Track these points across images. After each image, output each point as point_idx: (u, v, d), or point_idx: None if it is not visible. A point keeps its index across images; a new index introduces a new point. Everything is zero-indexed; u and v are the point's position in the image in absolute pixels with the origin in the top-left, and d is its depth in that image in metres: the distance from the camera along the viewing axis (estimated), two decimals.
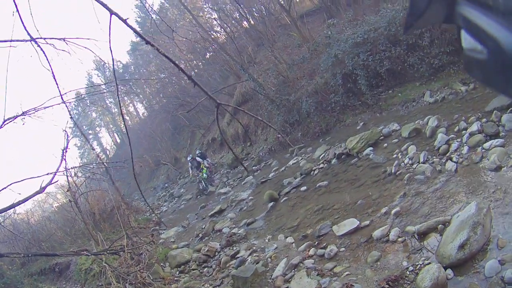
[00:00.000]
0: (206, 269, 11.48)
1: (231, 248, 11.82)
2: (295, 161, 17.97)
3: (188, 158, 25.73)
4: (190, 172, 25.79)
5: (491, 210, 6.81)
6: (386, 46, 16.05)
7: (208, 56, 36.22)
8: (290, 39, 25.45)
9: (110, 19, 3.83)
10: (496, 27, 0.86)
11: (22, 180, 10.45)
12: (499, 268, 5.65)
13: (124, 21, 3.92)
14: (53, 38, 6.94)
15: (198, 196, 23.89)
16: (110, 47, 4.25)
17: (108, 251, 11.48)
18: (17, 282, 14.08)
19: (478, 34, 0.93)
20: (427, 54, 14.97)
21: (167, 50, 39.50)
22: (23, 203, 10.85)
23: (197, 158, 24.89)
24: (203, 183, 23.95)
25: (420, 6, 1.09)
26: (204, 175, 24.14)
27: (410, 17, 1.16)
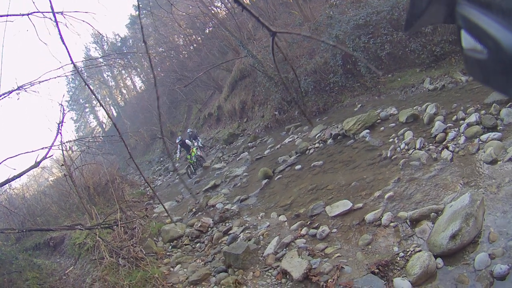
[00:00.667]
0: (198, 244, 11.51)
1: (223, 224, 11.90)
2: (291, 139, 18.02)
3: (177, 141, 25.13)
4: (178, 155, 25.31)
5: (485, 202, 6.85)
6: (388, 30, 15.97)
7: (207, 31, 35.94)
8: (291, 17, 25.26)
9: None
10: (496, 27, 0.85)
11: (17, 155, 10.40)
12: (489, 261, 5.72)
13: None
14: (50, 12, 6.90)
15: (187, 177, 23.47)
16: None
17: (101, 225, 11.50)
18: (12, 258, 14.07)
19: (478, 34, 0.93)
20: (429, 41, 14.89)
21: (166, 24, 39.21)
22: (18, 178, 10.81)
23: (186, 140, 24.42)
24: (191, 168, 23.68)
25: (420, 6, 1.10)
26: (193, 158, 23.86)
27: (410, 16, 1.16)
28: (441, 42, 14.38)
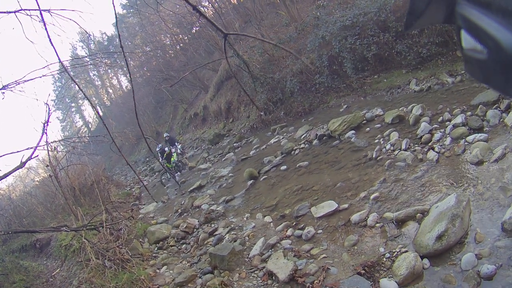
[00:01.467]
0: (184, 245, 11.51)
1: (209, 225, 11.88)
2: (277, 139, 18.04)
3: (157, 149, 24.69)
4: (160, 161, 24.06)
5: (471, 203, 6.89)
6: (375, 31, 15.99)
7: (194, 31, 35.91)
8: (278, 18, 25.36)
9: None
10: (496, 27, 0.85)
11: (2, 156, 10.30)
12: (475, 262, 5.72)
13: None
14: (37, 10, 6.82)
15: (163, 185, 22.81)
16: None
17: (87, 227, 11.43)
18: None
19: (478, 34, 0.92)
20: (416, 42, 14.91)
21: (152, 23, 39.10)
22: (3, 179, 10.75)
23: (165, 149, 23.88)
24: (167, 175, 23.30)
25: (420, 6, 1.08)
26: (172, 163, 23.40)
27: (410, 16, 1.14)
28: (427, 44, 14.41)
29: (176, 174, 23.05)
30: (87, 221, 12.48)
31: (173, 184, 21.21)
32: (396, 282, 6.06)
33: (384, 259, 6.66)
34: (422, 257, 6.26)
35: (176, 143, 25.11)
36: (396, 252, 6.68)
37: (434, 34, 14.40)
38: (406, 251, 6.56)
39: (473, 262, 5.73)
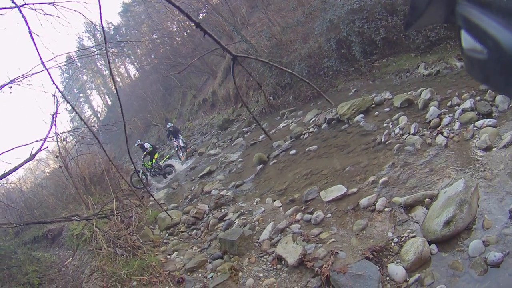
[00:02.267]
0: (194, 231, 11.59)
1: (219, 210, 11.92)
2: (286, 124, 18.01)
3: (136, 144, 22.94)
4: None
5: (479, 189, 6.88)
6: (383, 14, 15.84)
7: (201, 17, 35.71)
8: (285, 2, 25.09)
9: None
10: (496, 27, 0.86)
11: (12, 149, 10.34)
12: (483, 249, 5.75)
13: None
14: (42, 3, 6.84)
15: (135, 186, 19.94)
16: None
17: (98, 215, 11.50)
18: (11, 252, 14.05)
19: (478, 34, 0.94)
20: (404, 32, 14.84)
21: (158, 11, 38.89)
22: (14, 171, 10.81)
23: (146, 145, 21.75)
24: (139, 175, 19.94)
25: (420, 5, 1.10)
26: (150, 162, 21.31)
27: (410, 16, 1.17)
28: (436, 27, 14.24)
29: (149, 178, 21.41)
30: (98, 209, 12.56)
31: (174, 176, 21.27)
32: (403, 267, 6.11)
33: (392, 244, 6.71)
34: (430, 243, 6.29)
35: (179, 135, 24.69)
36: (404, 237, 6.72)
37: None
38: (414, 236, 6.60)
39: (481, 249, 5.75)
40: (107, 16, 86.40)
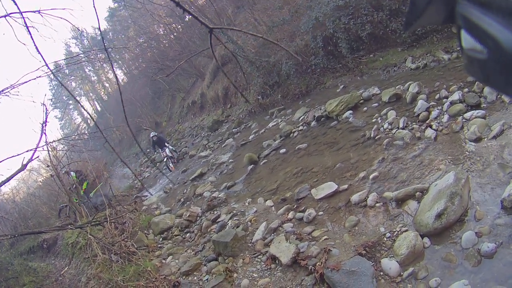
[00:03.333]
0: (188, 234, 11.61)
1: (212, 212, 11.95)
2: (275, 123, 18.02)
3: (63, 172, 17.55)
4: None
5: (470, 180, 6.90)
6: (369, 10, 15.87)
7: (187, 19, 35.65)
8: (270, 1, 25.09)
9: None
10: (496, 27, 0.85)
11: (2, 160, 10.31)
12: (475, 240, 5.76)
13: None
14: (27, 12, 6.80)
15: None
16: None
17: (91, 223, 11.49)
18: (7, 264, 14.02)
19: (478, 34, 0.92)
20: (404, 32, 14.85)
21: (144, 14, 38.79)
22: (6, 183, 10.80)
23: (72, 173, 18.20)
24: (67, 209, 17.71)
25: (420, 5, 1.08)
26: (84, 197, 18.31)
27: (410, 16, 1.14)
28: None
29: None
30: (91, 217, 12.54)
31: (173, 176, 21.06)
32: (397, 261, 6.12)
33: (385, 239, 6.73)
34: (422, 236, 6.31)
35: (166, 144, 23.40)
36: (396, 232, 6.74)
37: None
38: (406, 230, 6.61)
39: (474, 240, 5.76)
40: (93, 21, 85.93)
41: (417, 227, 6.54)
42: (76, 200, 17.39)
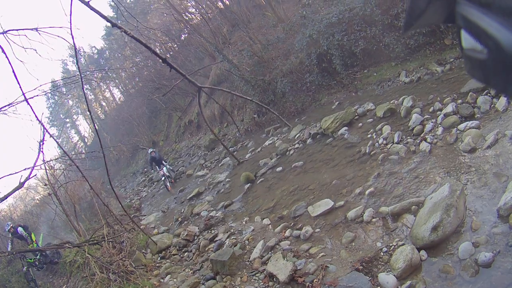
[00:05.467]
0: (186, 253, 11.57)
1: (209, 231, 11.93)
2: (271, 141, 18.02)
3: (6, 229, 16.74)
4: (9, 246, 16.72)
5: (465, 192, 6.91)
6: (361, 26, 16.01)
7: (183, 38, 35.82)
8: (265, 19, 25.28)
9: (71, 3, 3.76)
10: (496, 27, 0.85)
11: (0, 178, 10.29)
12: (473, 250, 5.76)
13: (87, 4, 3.85)
14: (25, 29, 6.84)
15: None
16: (71, 32, 4.18)
17: (89, 242, 11.45)
18: (5, 281, 13.90)
19: (478, 34, 0.93)
20: (403, 34, 14.93)
21: (141, 34, 39.06)
22: (3, 200, 10.79)
23: (19, 229, 16.07)
24: (30, 273, 15.39)
25: (420, 6, 1.08)
26: (36, 257, 15.77)
27: (410, 17, 1.14)
28: (414, 34, 14.38)
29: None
30: (89, 236, 12.50)
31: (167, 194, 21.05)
32: (394, 275, 6.11)
33: (382, 254, 6.73)
34: (419, 249, 6.30)
35: (164, 162, 22.74)
36: (393, 246, 6.74)
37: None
38: (403, 244, 6.61)
39: (471, 250, 5.77)
40: (91, 40, 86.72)
41: (414, 240, 6.52)
42: (31, 260, 15.48)
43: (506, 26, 0.83)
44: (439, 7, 1.06)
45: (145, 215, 18.99)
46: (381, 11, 15.33)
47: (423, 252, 6.26)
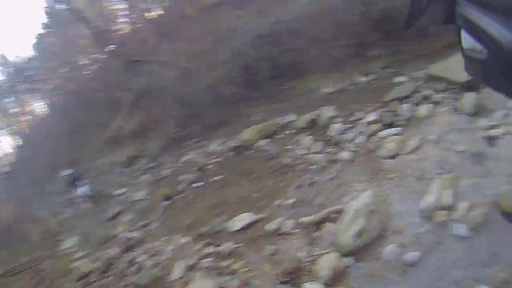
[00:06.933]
0: (109, 278, 10.98)
1: (129, 253, 11.51)
2: (191, 156, 17.76)
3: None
4: None
5: (387, 196, 7.11)
6: (289, 38, 16.15)
7: (111, 49, 35.43)
8: (194, 31, 25.27)
9: None
10: (496, 27, 0.88)
11: None
12: (398, 251, 5.93)
13: None
14: None
15: None
16: None
17: (8, 274, 10.81)
18: None
19: (478, 34, 0.96)
20: (329, 47, 15.16)
21: (72, 42, 38.04)
22: None
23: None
24: None
25: (420, 6, 1.13)
26: None
27: (411, 17, 1.19)
28: (339, 47, 14.66)
29: None
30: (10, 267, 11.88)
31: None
32: (320, 284, 6.06)
33: (305, 264, 6.68)
34: (345, 256, 6.33)
35: (80, 181, 21.80)
36: (316, 255, 6.71)
37: (344, 37, 14.66)
38: (327, 252, 6.59)
39: (396, 252, 5.94)
40: (21, 48, 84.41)
41: (338, 247, 6.53)
42: None
43: (506, 26, 0.86)
44: (440, 7, 1.12)
45: (63, 239, 18.24)
46: (310, 25, 15.56)
47: (349, 258, 6.28)
